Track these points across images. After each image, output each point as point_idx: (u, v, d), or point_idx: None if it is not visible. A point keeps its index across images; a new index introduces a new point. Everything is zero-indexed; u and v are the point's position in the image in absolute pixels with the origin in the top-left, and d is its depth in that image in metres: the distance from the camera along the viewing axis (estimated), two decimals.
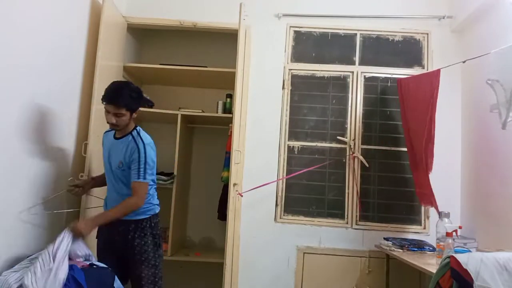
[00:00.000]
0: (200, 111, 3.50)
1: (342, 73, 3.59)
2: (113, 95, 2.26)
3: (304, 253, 3.37)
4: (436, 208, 2.93)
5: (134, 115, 2.36)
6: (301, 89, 3.60)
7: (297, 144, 3.54)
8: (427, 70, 3.49)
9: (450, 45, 3.51)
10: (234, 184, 2.97)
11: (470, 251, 2.40)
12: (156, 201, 2.48)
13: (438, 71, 2.93)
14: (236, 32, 3.00)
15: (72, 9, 2.71)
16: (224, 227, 2.96)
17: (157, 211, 2.46)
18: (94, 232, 2.38)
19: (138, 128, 2.42)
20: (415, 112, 3.12)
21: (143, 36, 3.97)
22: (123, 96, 2.26)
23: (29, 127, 2.26)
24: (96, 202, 2.77)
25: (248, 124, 3.49)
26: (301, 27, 3.66)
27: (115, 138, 2.41)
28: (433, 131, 2.88)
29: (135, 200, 2.24)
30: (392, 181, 3.45)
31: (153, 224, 2.40)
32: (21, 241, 2.21)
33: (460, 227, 2.66)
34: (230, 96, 3.52)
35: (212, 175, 3.78)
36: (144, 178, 2.25)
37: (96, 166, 2.87)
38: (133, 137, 2.34)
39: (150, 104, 3.60)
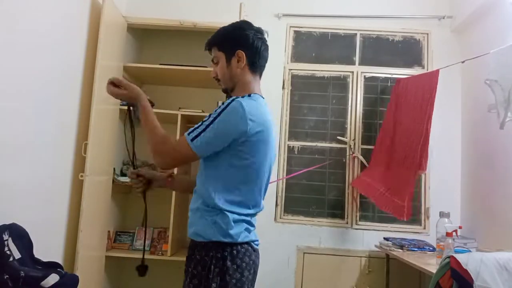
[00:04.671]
0: (200, 111, 3.50)
1: (342, 73, 3.59)
2: None
3: (304, 253, 3.37)
4: (405, 216, 2.79)
5: (242, 64, 1.56)
6: (301, 89, 3.60)
7: (297, 144, 3.54)
8: (427, 70, 3.49)
9: (450, 45, 3.51)
10: None
11: (470, 251, 2.40)
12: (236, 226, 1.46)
13: (437, 71, 2.93)
14: None
15: (72, 9, 2.71)
16: None
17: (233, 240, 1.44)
18: None
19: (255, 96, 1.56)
20: (410, 112, 3.10)
21: (143, 36, 3.97)
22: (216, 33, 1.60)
23: (29, 127, 2.26)
24: None
25: None
26: (301, 27, 3.66)
27: None
28: (429, 130, 2.86)
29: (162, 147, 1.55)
30: None
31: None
32: None
33: (460, 227, 2.66)
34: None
35: None
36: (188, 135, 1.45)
37: (96, 166, 2.87)
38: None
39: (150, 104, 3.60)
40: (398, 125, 3.18)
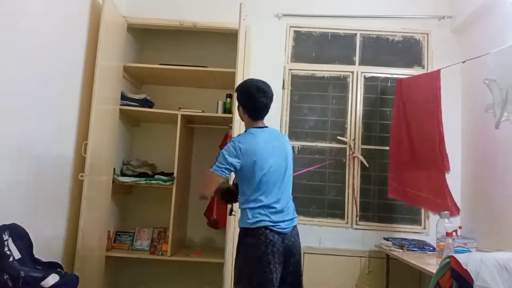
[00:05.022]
0: (200, 111, 3.50)
1: (342, 73, 3.59)
2: None
3: (304, 253, 3.36)
4: (456, 211, 2.84)
5: (243, 114, 2.27)
6: (301, 89, 3.60)
7: (297, 144, 3.54)
8: (427, 70, 3.49)
9: (450, 45, 3.51)
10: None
11: (470, 251, 2.40)
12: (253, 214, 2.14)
13: (438, 71, 2.93)
14: (236, 32, 3.00)
15: (72, 9, 2.71)
16: (224, 227, 2.96)
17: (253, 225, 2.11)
18: None
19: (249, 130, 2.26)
20: (418, 113, 3.11)
21: (143, 36, 3.97)
22: None
23: (29, 127, 2.26)
24: None
25: None
26: (301, 27, 3.66)
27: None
28: (443, 131, 2.89)
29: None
30: None
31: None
32: None
33: (460, 227, 2.66)
34: (230, 96, 3.52)
35: None
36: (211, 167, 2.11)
37: (96, 166, 2.87)
38: None
39: (150, 104, 3.61)
40: (409, 127, 3.17)
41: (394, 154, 3.28)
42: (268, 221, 2.07)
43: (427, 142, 3.00)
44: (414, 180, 3.14)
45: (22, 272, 1.82)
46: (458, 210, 2.83)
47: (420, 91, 3.08)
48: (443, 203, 2.86)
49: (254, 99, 2.19)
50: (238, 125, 3.09)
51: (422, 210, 3.40)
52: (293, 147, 3.55)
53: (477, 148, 3.17)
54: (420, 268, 2.46)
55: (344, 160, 3.49)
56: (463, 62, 2.90)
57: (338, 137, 3.52)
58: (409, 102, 3.21)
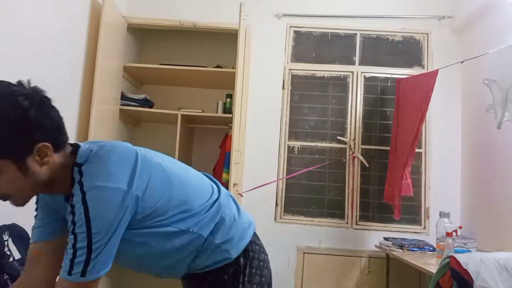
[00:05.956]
0: (200, 111, 3.50)
1: (342, 73, 3.59)
2: None
3: (304, 253, 3.37)
4: (397, 205, 2.99)
5: (45, 158, 1.03)
6: (301, 89, 3.60)
7: (297, 144, 3.54)
8: (427, 70, 3.48)
9: (450, 45, 3.51)
10: (234, 184, 2.97)
11: (470, 251, 2.40)
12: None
13: (436, 71, 2.93)
14: (236, 32, 3.00)
15: (72, 9, 2.71)
16: None
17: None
18: None
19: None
20: (409, 112, 3.10)
21: (143, 36, 3.97)
22: None
23: None
24: None
25: (248, 124, 3.49)
26: (301, 27, 3.65)
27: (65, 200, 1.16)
28: (420, 129, 2.94)
29: None
30: None
31: None
32: None
33: (460, 227, 2.66)
34: (230, 96, 3.52)
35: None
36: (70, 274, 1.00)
37: None
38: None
39: (150, 104, 3.61)
40: (399, 128, 3.19)
41: (390, 158, 3.29)
42: None
43: (407, 139, 3.01)
44: (391, 179, 3.18)
45: (22, 272, 1.82)
46: (410, 190, 2.97)
47: (416, 91, 3.08)
48: (392, 194, 3.02)
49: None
50: (238, 125, 3.10)
51: (422, 210, 3.40)
52: (293, 147, 3.55)
53: (477, 148, 3.17)
54: (420, 268, 2.46)
55: (344, 160, 3.49)
56: (462, 62, 2.90)
57: (338, 137, 3.52)
58: (404, 102, 3.21)
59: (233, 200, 1.37)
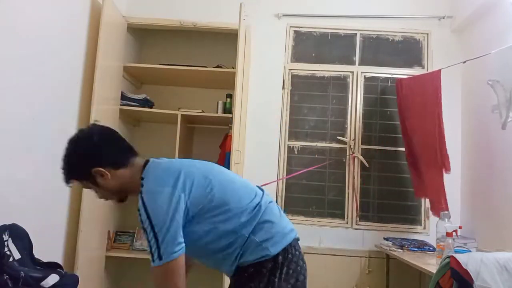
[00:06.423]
0: (200, 111, 3.50)
1: (342, 73, 3.59)
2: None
3: (304, 253, 3.35)
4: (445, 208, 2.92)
5: (106, 174, 1.49)
6: (301, 89, 3.60)
7: (297, 144, 3.54)
8: (427, 70, 3.49)
9: (450, 45, 3.51)
10: None
11: (470, 251, 2.40)
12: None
13: (439, 71, 2.93)
14: (236, 32, 3.00)
15: (72, 9, 2.71)
16: None
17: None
18: None
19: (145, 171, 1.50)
20: (419, 113, 3.11)
21: (143, 36, 3.97)
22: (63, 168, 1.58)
23: (29, 127, 2.26)
24: None
25: (248, 124, 3.49)
26: (301, 27, 3.65)
27: None
28: (443, 132, 2.92)
29: None
30: (392, 181, 3.46)
31: None
32: None
33: (460, 227, 2.66)
34: (230, 96, 3.52)
35: None
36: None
37: None
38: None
39: (150, 104, 3.61)
40: (412, 128, 3.18)
41: (407, 155, 3.28)
42: None
43: (426, 141, 3.00)
44: (420, 178, 3.17)
45: (22, 273, 1.82)
46: (447, 207, 2.92)
47: (421, 91, 3.08)
48: (438, 205, 2.91)
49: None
50: (238, 125, 3.10)
51: (422, 210, 3.40)
52: (293, 147, 3.55)
53: (477, 148, 3.17)
54: (420, 268, 2.46)
55: (344, 160, 3.49)
56: (464, 62, 2.90)
57: (338, 137, 3.52)
58: (409, 102, 3.21)
59: (277, 206, 1.64)
